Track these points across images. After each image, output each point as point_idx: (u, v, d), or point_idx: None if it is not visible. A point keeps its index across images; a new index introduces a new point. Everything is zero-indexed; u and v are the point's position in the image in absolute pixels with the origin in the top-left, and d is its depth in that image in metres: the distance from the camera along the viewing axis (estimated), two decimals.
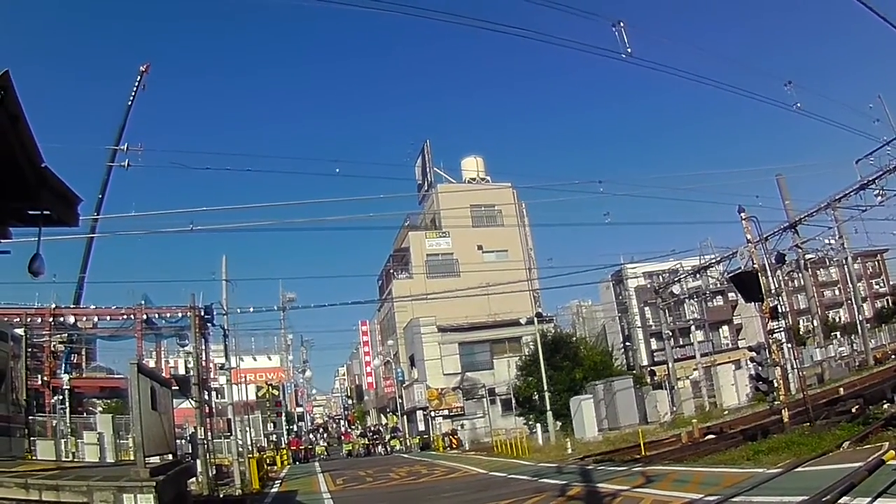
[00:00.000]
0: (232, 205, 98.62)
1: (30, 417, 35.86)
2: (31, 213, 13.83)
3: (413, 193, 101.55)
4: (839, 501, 6.19)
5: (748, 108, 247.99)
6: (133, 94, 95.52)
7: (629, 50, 29.67)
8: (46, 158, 12.34)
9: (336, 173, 71.36)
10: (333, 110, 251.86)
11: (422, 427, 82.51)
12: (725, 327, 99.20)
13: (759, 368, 33.47)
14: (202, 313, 43.31)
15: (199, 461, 31.53)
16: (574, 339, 75.37)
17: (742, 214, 36.48)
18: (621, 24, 29.54)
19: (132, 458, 17.68)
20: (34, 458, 29.96)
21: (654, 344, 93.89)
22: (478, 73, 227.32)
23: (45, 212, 13.62)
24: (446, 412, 79.17)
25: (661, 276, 76.59)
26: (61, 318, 55.73)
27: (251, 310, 55.12)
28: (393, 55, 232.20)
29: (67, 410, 46.77)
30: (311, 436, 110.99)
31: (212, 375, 56.15)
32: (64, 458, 36.52)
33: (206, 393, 43.10)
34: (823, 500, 4.99)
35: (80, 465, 24.38)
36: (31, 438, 34.75)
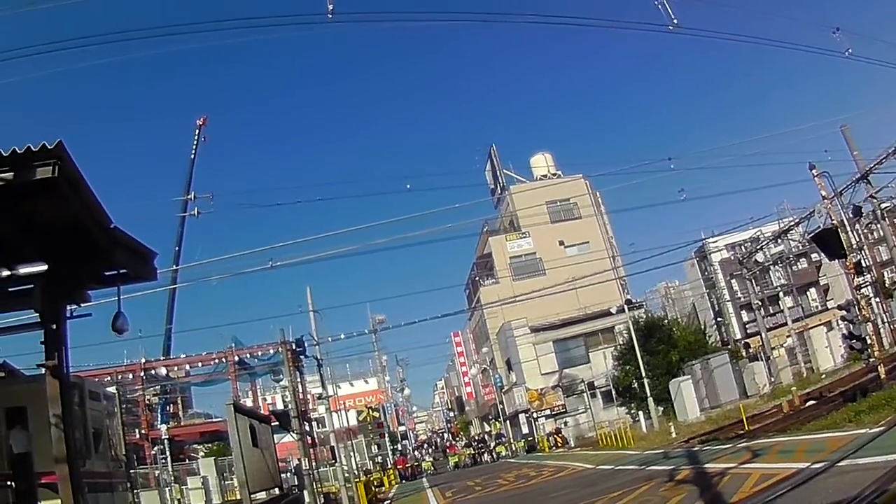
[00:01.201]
0: (309, 235, 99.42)
1: (131, 471, 36.53)
2: (107, 273, 14.09)
3: (487, 198, 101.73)
4: None
5: (798, 62, 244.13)
6: (194, 147, 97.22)
7: (675, 21, 29.47)
8: (116, 219, 12.59)
9: (408, 189, 71.54)
10: (393, 125, 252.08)
11: (525, 430, 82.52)
12: (813, 290, 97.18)
13: (851, 326, 32.95)
14: (294, 347, 43.76)
15: (306, 492, 31.83)
16: (666, 321, 74.74)
17: (813, 171, 35.98)
18: None
19: (238, 497, 17.95)
20: None
21: (744, 316, 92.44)
22: (526, 68, 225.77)
23: (121, 271, 13.87)
24: (548, 412, 79.03)
25: (743, 247, 75.80)
26: (152, 371, 56.61)
27: (342, 337, 55.49)
28: (437, 62, 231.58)
29: (168, 459, 47.49)
30: (416, 453, 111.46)
31: (311, 406, 56.72)
32: None
33: (307, 424, 43.57)
34: None
35: None
36: (135, 491, 35.38)
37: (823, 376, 52.61)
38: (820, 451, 17.56)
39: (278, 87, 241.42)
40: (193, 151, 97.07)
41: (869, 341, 31.59)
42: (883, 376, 29.83)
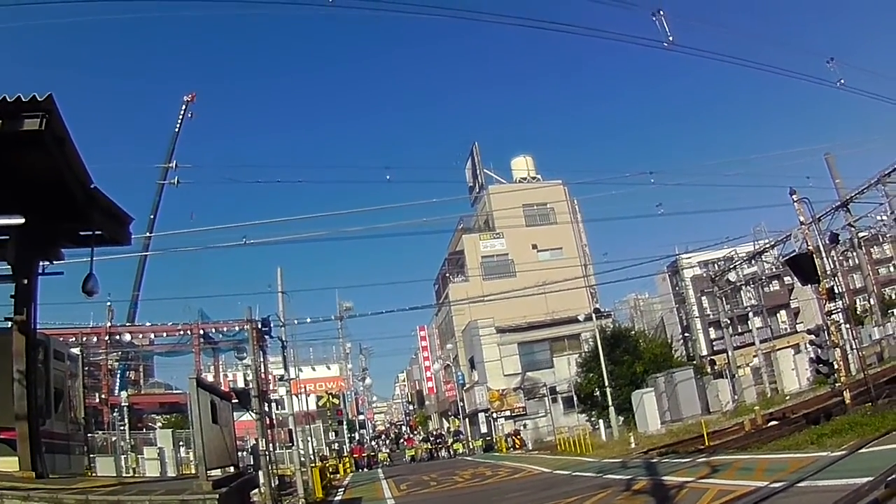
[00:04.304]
0: (285, 216, 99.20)
1: (89, 435, 36.23)
2: (83, 233, 13.97)
3: (465, 196, 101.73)
4: None
5: (792, 88, 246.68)
6: (179, 122, 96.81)
7: (671, 38, 29.49)
8: (96, 179, 12.47)
9: (387, 180, 71.54)
10: (380, 115, 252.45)
11: (484, 429, 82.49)
12: (783, 312, 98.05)
13: (819, 351, 33.11)
14: (259, 326, 43.54)
15: (261, 472, 31.68)
16: (633, 332, 74.96)
17: (794, 196, 36.08)
18: (661, 13, 29.33)
19: (193, 471, 17.78)
20: (94, 474, 30.28)
21: (712, 333, 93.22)
22: (516, 71, 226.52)
23: (96, 232, 13.75)
24: (508, 413, 79.08)
25: (716, 265, 76.11)
26: (117, 337, 56.33)
27: (308, 320, 55.50)
28: (430, 56, 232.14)
29: (127, 427, 47.26)
30: (373, 443, 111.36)
31: (271, 387, 56.55)
32: (124, 474, 36.89)
33: (267, 405, 43.34)
34: (888, 479, 4.88)
35: (142, 479, 24.59)
36: (91, 455, 35.14)
37: (788, 398, 52.80)
38: (780, 471, 17.57)
39: (269, 67, 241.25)
40: (178, 125, 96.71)
41: (836, 366, 31.75)
42: (848, 401, 29.96)
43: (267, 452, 36.45)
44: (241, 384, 53.68)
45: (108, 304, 57.60)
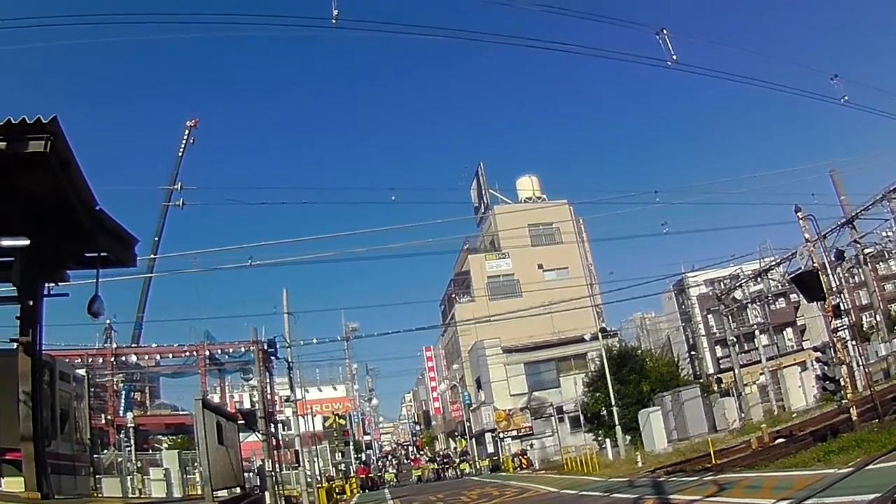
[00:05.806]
0: (290, 238, 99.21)
1: (94, 456, 36.18)
2: (88, 255, 14.00)
3: (470, 217, 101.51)
4: None
5: (796, 105, 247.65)
6: (182, 147, 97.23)
7: (674, 57, 29.53)
8: (101, 201, 12.50)
9: (392, 201, 71.87)
10: (385, 136, 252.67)
11: (491, 449, 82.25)
12: (789, 329, 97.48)
13: (826, 368, 33.11)
14: (265, 347, 43.60)
15: (267, 493, 31.63)
16: (639, 351, 74.77)
17: (799, 214, 36.06)
18: (665, 32, 29.38)
19: (200, 492, 17.75)
20: (100, 495, 30.20)
21: (719, 351, 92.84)
22: (520, 91, 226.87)
23: (102, 254, 13.77)
24: (515, 433, 78.83)
25: (722, 283, 75.94)
26: (123, 358, 56.41)
27: (314, 341, 55.61)
28: (434, 76, 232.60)
29: (133, 447, 47.20)
30: (379, 463, 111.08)
31: (278, 408, 56.48)
32: (130, 495, 36.76)
33: (273, 425, 43.33)
34: (895, 496, 4.89)
35: (148, 500, 24.51)
36: (97, 476, 35.06)
37: (794, 415, 52.68)
38: (787, 489, 17.49)
39: (274, 89, 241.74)
40: (182, 149, 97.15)
41: (843, 383, 31.69)
42: (855, 418, 29.87)
43: (273, 473, 36.49)
44: (247, 405, 53.79)
45: (109, 322, 57.85)
